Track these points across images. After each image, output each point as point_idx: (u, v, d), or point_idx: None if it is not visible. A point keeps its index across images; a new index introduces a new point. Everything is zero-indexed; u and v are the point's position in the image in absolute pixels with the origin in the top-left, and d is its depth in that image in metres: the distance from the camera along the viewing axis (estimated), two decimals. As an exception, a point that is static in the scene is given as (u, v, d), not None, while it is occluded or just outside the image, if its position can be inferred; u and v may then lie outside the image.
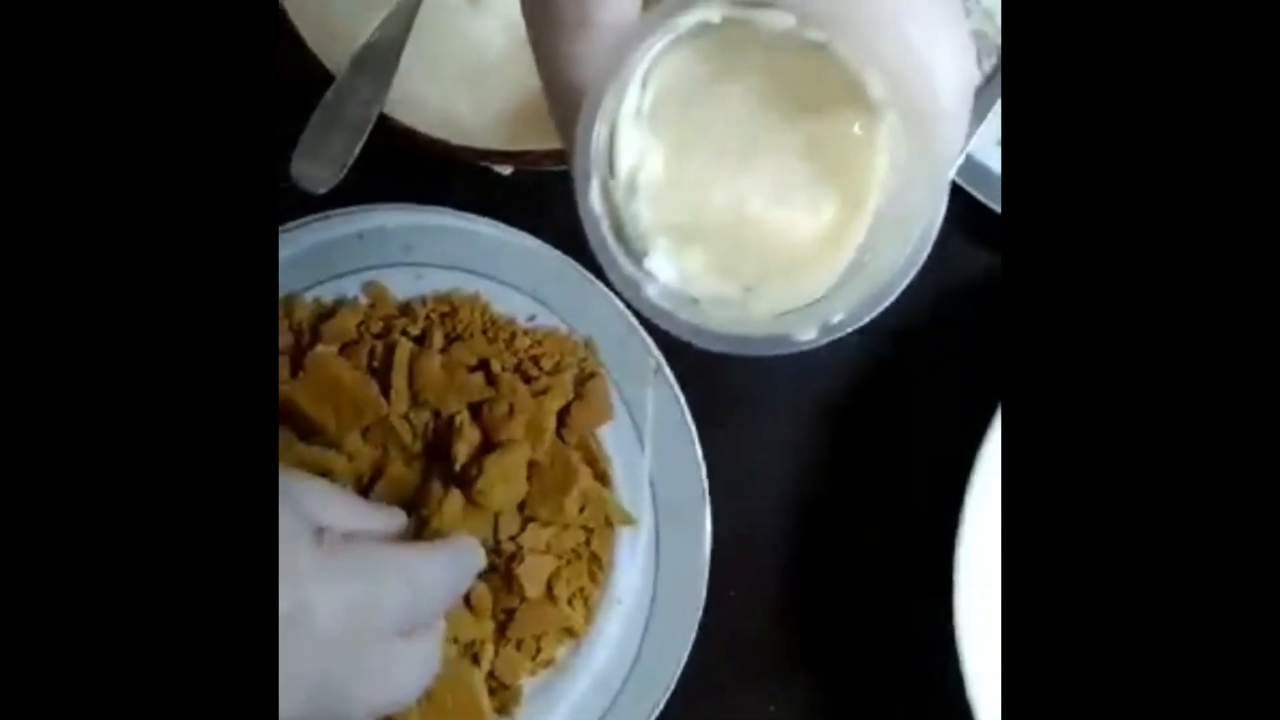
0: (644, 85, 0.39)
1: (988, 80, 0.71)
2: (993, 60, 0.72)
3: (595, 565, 0.68)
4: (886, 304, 0.38)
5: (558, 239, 0.67)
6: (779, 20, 0.37)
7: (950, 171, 0.41)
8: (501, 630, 0.67)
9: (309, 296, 0.68)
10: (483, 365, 0.68)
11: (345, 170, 0.60)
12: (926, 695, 0.70)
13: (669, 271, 0.39)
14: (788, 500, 0.71)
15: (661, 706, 0.67)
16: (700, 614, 0.67)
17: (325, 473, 0.66)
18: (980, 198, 0.70)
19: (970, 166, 0.70)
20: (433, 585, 0.56)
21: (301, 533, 0.48)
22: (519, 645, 0.68)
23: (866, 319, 0.38)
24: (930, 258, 0.69)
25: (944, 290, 0.72)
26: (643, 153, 0.39)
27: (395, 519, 0.61)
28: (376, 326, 0.68)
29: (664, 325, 0.38)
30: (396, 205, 0.68)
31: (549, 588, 0.68)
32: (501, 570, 0.67)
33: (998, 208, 0.70)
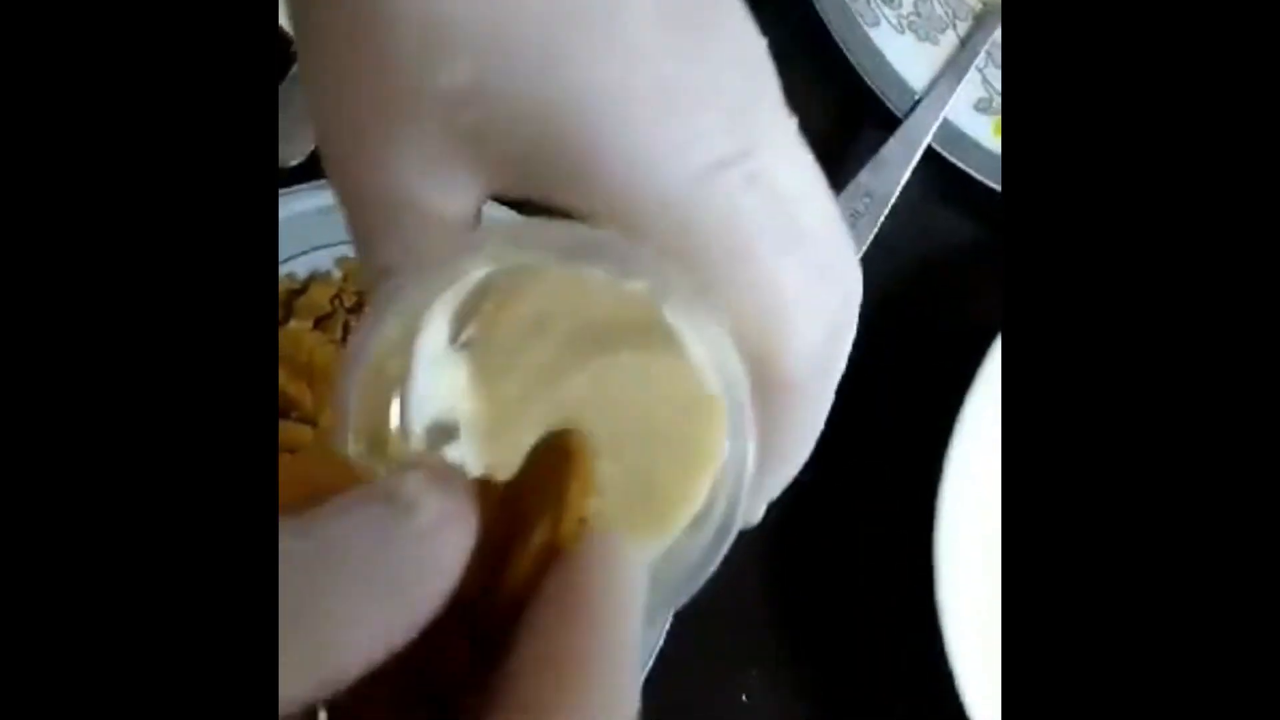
0: (457, 318, 0.34)
1: (962, 43, 0.71)
2: (966, 24, 0.72)
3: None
4: (689, 594, 0.33)
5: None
6: (590, 273, 0.33)
7: (802, 456, 0.37)
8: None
9: (282, 271, 0.68)
10: (458, 339, 0.67)
11: (313, 144, 0.60)
12: (908, 678, 0.70)
13: None
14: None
15: (641, 679, 0.67)
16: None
17: (299, 449, 0.65)
18: (956, 161, 0.70)
19: (946, 131, 0.70)
20: None
21: None
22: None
23: (671, 607, 0.34)
24: (908, 224, 0.69)
25: (919, 255, 0.71)
26: (453, 393, 0.35)
27: None
28: (350, 300, 0.68)
29: None
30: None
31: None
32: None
33: (973, 172, 0.70)
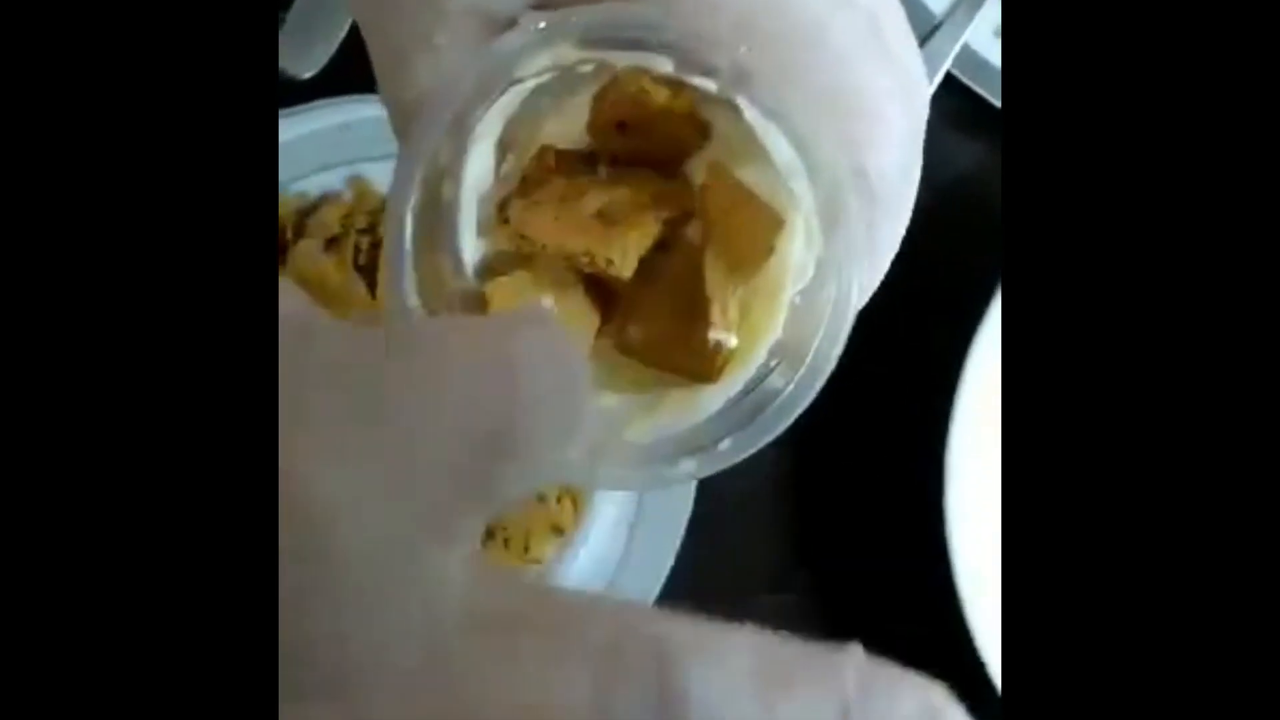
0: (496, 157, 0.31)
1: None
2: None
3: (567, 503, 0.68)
4: (790, 421, 0.31)
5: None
6: (652, 64, 0.30)
7: (893, 249, 0.33)
8: (489, 530, 0.67)
9: (292, 190, 0.67)
10: (469, 263, 0.67)
11: (329, 56, 0.59)
12: (917, 608, 0.70)
13: None
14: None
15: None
16: (687, 518, 0.67)
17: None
18: (976, 88, 0.69)
19: (966, 57, 0.69)
20: None
21: None
22: (506, 543, 0.68)
23: (767, 440, 0.31)
24: (926, 150, 0.69)
25: (939, 183, 0.71)
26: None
27: None
28: (361, 221, 0.67)
29: None
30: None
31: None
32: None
33: (994, 99, 0.69)
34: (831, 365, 0.31)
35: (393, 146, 0.65)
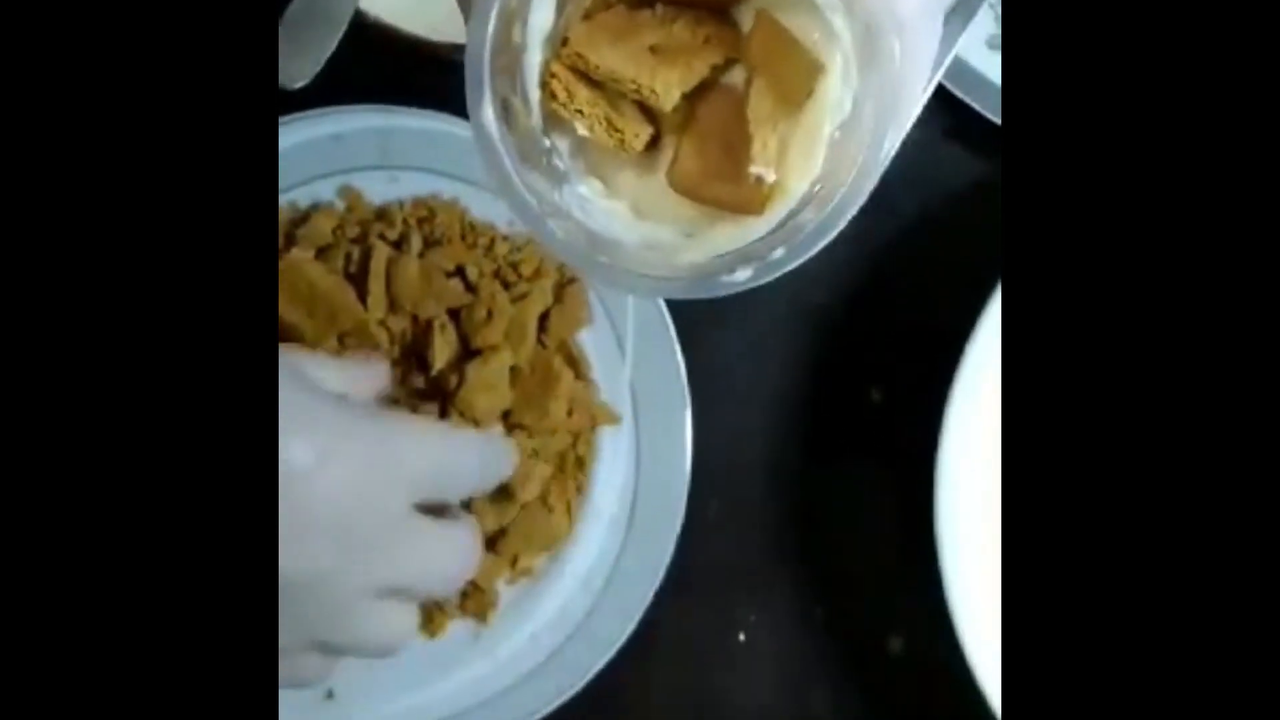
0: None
1: (976, -19, 0.70)
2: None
3: (579, 471, 0.68)
4: (828, 239, 0.33)
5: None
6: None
7: (919, 93, 0.36)
8: (491, 542, 0.67)
9: (284, 200, 0.67)
10: (460, 271, 0.67)
11: (321, 65, 0.59)
12: (906, 621, 0.70)
13: (595, 210, 0.34)
14: (772, 408, 0.71)
15: (639, 618, 0.67)
16: (681, 524, 0.67)
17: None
18: (969, 101, 0.69)
19: (958, 70, 0.69)
20: (460, 462, 0.53)
21: (323, 396, 0.46)
22: (498, 551, 0.68)
23: (807, 255, 0.34)
24: (917, 161, 0.69)
25: (931, 196, 0.71)
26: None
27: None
28: (353, 231, 0.67)
29: (574, 266, 0.34)
30: (373, 106, 0.66)
31: (544, 496, 0.67)
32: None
33: (986, 112, 0.69)
34: (860, 201, 0.33)
35: (379, 157, 0.65)
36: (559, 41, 0.34)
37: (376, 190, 0.68)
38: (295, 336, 0.65)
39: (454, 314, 0.67)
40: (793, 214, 0.34)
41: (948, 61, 0.68)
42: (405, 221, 0.67)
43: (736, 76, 0.34)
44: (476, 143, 0.32)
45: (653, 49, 0.33)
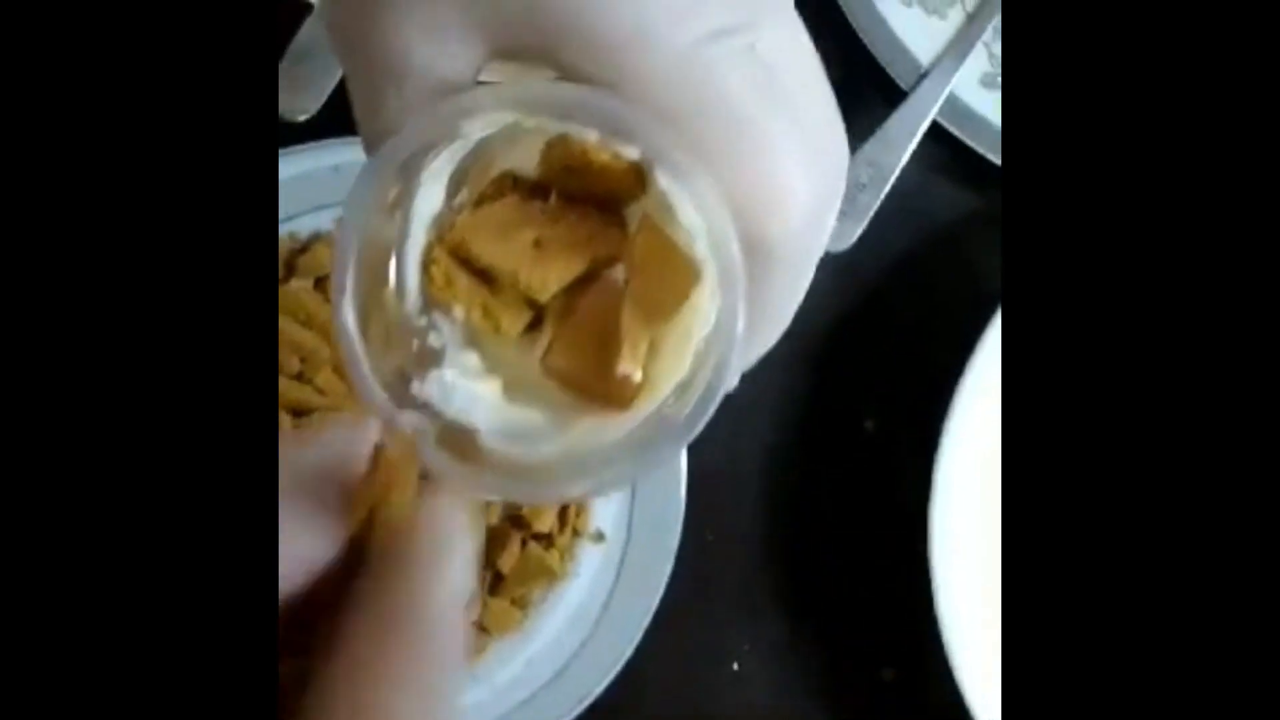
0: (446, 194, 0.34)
1: (970, 18, 0.71)
2: (975, -1, 0.72)
3: (577, 504, 0.68)
4: (666, 460, 0.35)
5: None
6: (579, 133, 0.33)
7: (788, 314, 0.37)
8: (494, 585, 0.68)
9: (284, 230, 0.68)
10: (459, 298, 0.67)
11: (324, 99, 0.60)
12: (900, 650, 0.70)
13: (458, 396, 0.34)
14: (766, 438, 0.71)
15: (634, 646, 0.68)
16: (675, 552, 0.67)
17: (301, 407, 0.66)
18: (962, 138, 0.70)
19: (952, 106, 0.70)
20: None
21: None
22: (495, 590, 0.68)
23: (641, 474, 0.35)
24: (911, 198, 0.69)
25: (923, 228, 0.71)
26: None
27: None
28: (352, 262, 0.67)
29: (424, 458, 0.34)
30: (373, 138, 0.67)
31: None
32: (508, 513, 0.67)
33: (980, 148, 0.70)
34: (713, 407, 0.34)
35: None
36: (445, 226, 0.34)
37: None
38: (292, 366, 0.66)
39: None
40: (650, 418, 0.35)
41: (942, 98, 0.69)
42: (404, 251, 0.68)
43: (619, 273, 0.35)
44: (337, 338, 0.33)
45: (536, 242, 0.35)
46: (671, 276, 0.34)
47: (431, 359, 0.35)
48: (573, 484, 0.35)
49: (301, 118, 0.60)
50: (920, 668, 0.68)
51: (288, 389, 0.65)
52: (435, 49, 0.33)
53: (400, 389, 0.34)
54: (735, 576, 0.71)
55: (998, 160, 0.70)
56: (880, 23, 0.70)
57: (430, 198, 0.34)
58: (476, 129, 0.34)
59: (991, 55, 0.71)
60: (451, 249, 0.34)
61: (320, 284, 0.67)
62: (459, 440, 0.35)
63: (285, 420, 0.65)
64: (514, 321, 0.35)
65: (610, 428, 0.35)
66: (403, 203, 0.34)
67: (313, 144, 0.66)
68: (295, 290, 0.66)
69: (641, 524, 0.68)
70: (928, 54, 0.70)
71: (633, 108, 0.33)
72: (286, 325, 0.65)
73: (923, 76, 0.70)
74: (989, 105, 0.71)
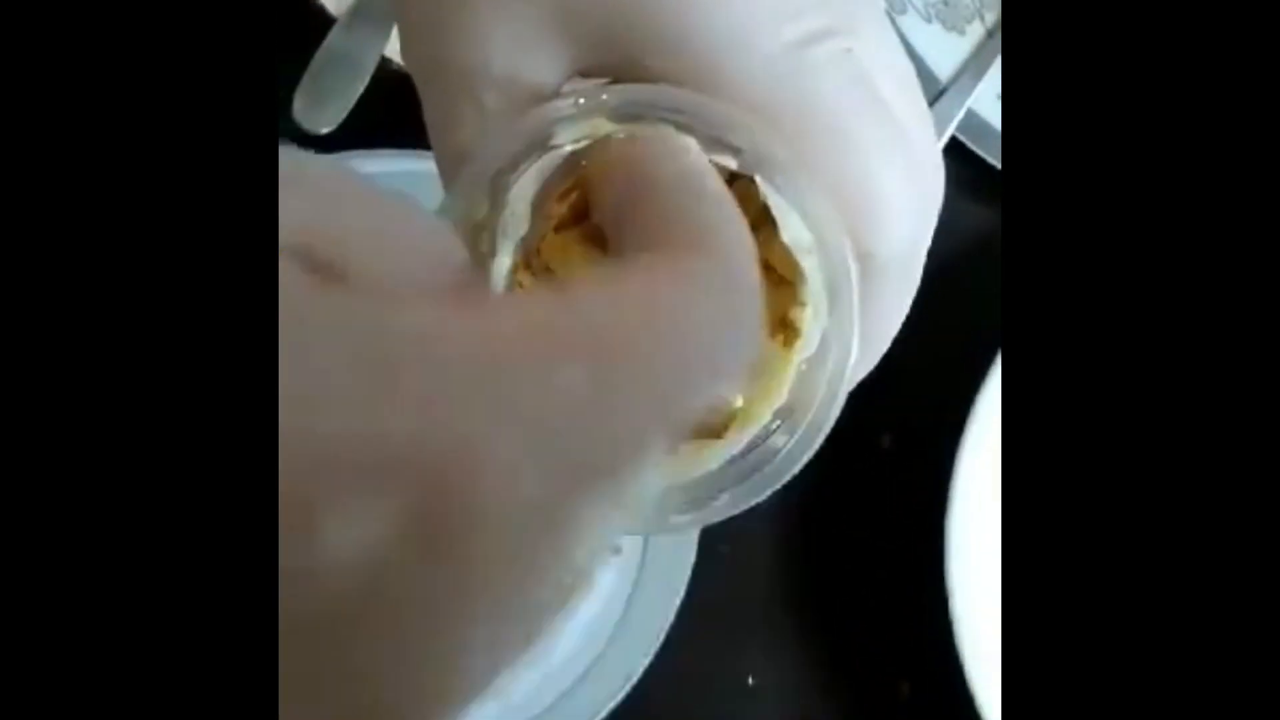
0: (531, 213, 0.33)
1: (989, 34, 0.71)
2: (994, 14, 0.72)
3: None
4: (771, 490, 0.33)
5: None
6: (678, 141, 0.31)
7: (893, 329, 0.36)
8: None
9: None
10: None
11: (346, 111, 0.60)
12: (914, 663, 0.70)
13: None
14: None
15: (649, 660, 0.68)
16: (691, 566, 0.67)
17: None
18: (981, 154, 0.70)
19: (971, 122, 0.70)
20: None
21: None
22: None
23: (749, 505, 0.33)
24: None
25: (946, 248, 0.71)
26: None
27: None
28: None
29: None
30: (397, 151, 0.67)
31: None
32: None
33: (998, 164, 0.70)
34: (824, 433, 0.33)
35: (414, 197, 0.65)
36: (532, 250, 0.33)
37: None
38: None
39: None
40: (751, 446, 0.34)
41: (961, 115, 0.69)
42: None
43: None
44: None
45: None
46: (768, 297, 0.32)
47: None
48: (678, 516, 0.33)
49: (324, 130, 0.60)
50: (936, 683, 0.68)
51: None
52: (519, 60, 0.32)
53: None
54: (750, 591, 0.71)
55: (1017, 177, 0.70)
56: (900, 38, 0.70)
57: (517, 217, 0.32)
58: (566, 139, 0.32)
59: (1011, 72, 0.71)
60: (537, 274, 0.33)
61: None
62: None
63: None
64: None
65: (708, 457, 0.34)
66: (490, 223, 0.32)
67: (336, 155, 0.66)
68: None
69: (656, 538, 0.68)
70: (947, 70, 0.71)
71: (740, 111, 0.31)
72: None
73: (941, 93, 0.70)
74: (1008, 121, 0.71)
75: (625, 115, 0.32)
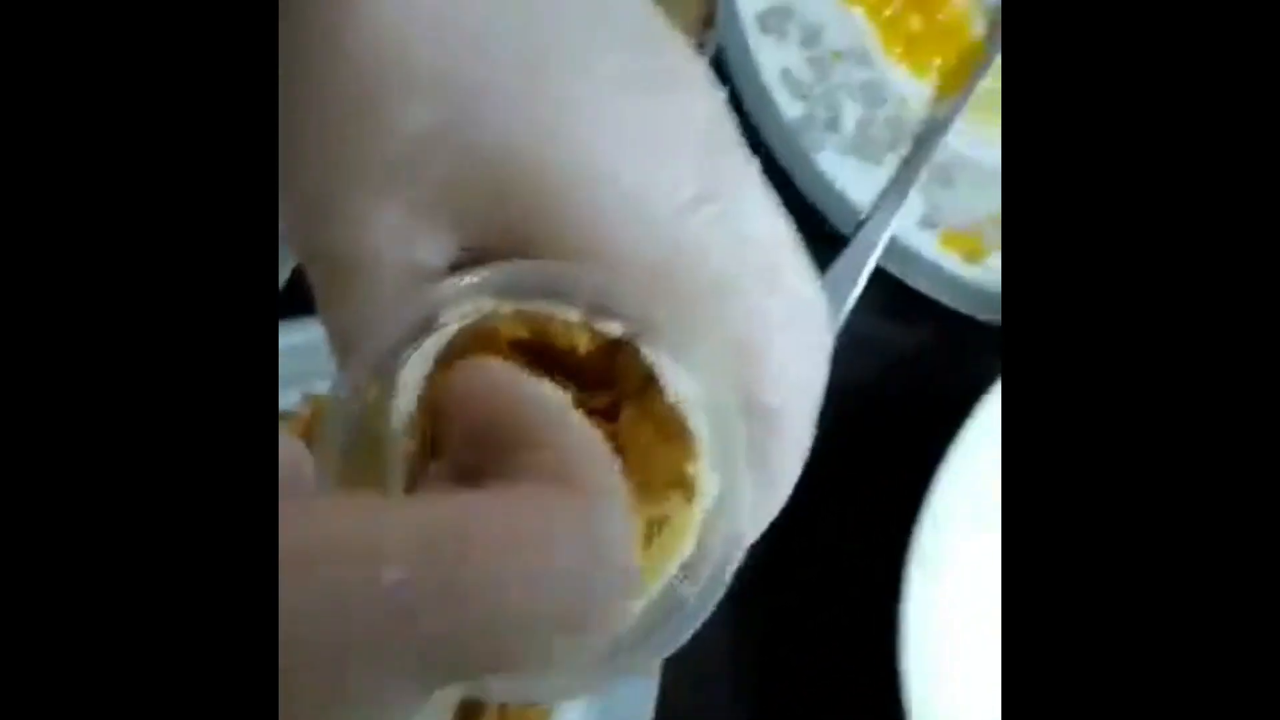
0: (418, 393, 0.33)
1: (905, 162, 0.73)
2: (908, 145, 0.73)
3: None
4: (681, 642, 0.33)
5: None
6: (562, 313, 0.32)
7: (793, 475, 0.36)
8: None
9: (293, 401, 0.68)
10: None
11: (282, 285, 0.61)
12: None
13: None
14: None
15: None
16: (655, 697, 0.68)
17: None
18: (904, 279, 0.71)
19: (893, 249, 0.71)
20: None
21: None
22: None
23: (661, 656, 0.34)
24: (859, 340, 0.71)
25: (878, 368, 0.73)
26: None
27: None
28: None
29: None
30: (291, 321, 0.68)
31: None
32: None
33: (921, 288, 0.71)
34: (726, 582, 0.33)
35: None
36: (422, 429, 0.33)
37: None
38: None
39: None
40: (659, 598, 0.34)
41: (883, 242, 0.70)
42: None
43: None
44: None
45: None
46: (664, 453, 0.33)
47: None
48: (589, 675, 0.33)
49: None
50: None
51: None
52: (402, 243, 0.33)
53: None
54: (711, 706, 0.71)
55: (939, 299, 0.72)
56: (819, 174, 0.72)
57: (408, 398, 0.33)
58: (453, 318, 0.33)
59: (928, 197, 0.73)
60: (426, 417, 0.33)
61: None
62: None
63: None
64: None
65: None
66: (383, 404, 0.32)
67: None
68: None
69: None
70: (867, 200, 0.72)
71: (621, 279, 0.32)
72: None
73: (863, 223, 0.71)
74: (928, 244, 0.72)
75: (509, 292, 0.33)
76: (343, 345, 0.34)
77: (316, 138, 0.33)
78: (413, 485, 0.33)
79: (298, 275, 0.62)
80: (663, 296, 0.32)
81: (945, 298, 0.72)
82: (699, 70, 0.35)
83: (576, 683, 0.34)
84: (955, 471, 0.67)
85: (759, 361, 0.33)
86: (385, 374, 0.33)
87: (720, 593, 0.33)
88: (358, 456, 0.33)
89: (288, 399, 0.69)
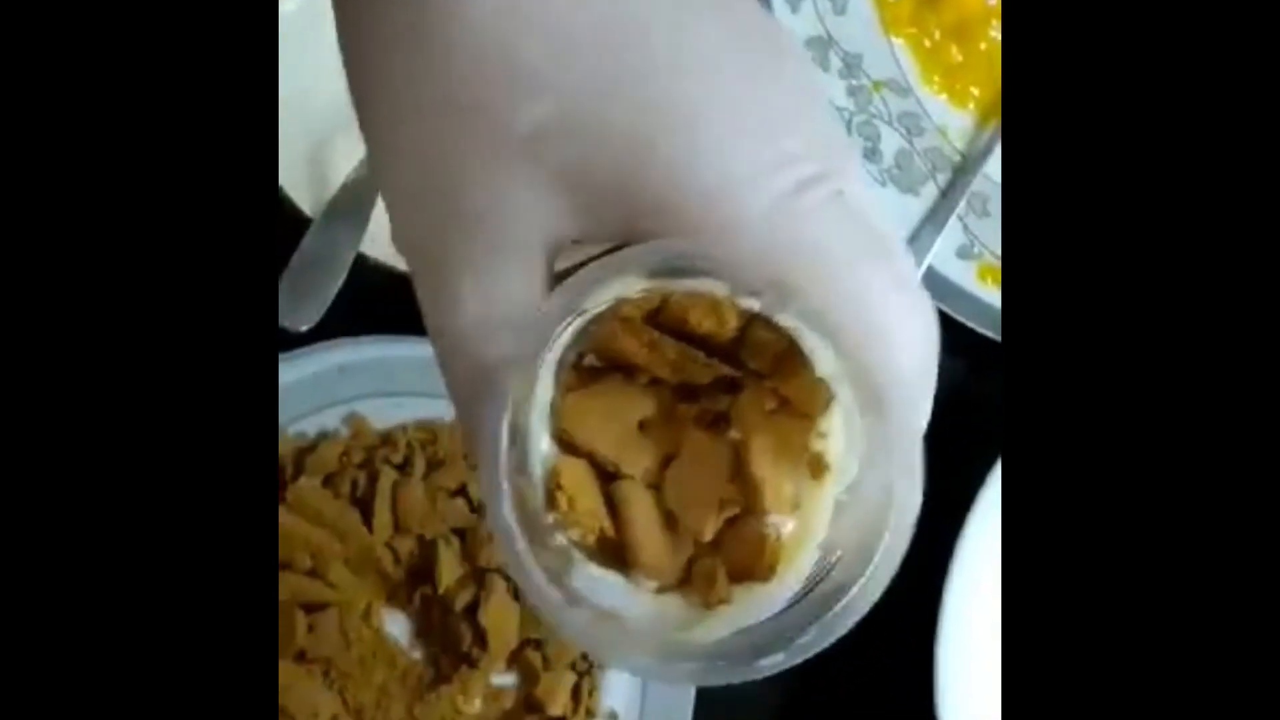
0: (556, 377, 0.33)
1: (942, 194, 0.74)
2: (946, 175, 0.74)
3: (591, 675, 0.68)
4: (861, 615, 0.32)
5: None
6: (708, 289, 0.33)
7: (916, 449, 0.34)
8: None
9: (291, 431, 0.69)
10: (464, 491, 0.69)
11: (325, 309, 0.62)
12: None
13: (605, 590, 0.33)
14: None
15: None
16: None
17: (314, 603, 0.67)
18: (942, 309, 0.72)
19: (931, 279, 0.72)
20: None
21: None
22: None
23: (840, 634, 0.32)
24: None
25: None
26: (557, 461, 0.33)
27: None
28: (358, 456, 0.69)
29: (601, 658, 0.33)
30: (376, 337, 0.69)
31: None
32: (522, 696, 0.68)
33: (960, 318, 0.71)
34: (897, 565, 0.32)
35: (384, 384, 0.66)
36: (555, 417, 0.33)
37: (381, 415, 0.70)
38: (303, 562, 0.67)
39: (459, 533, 0.68)
40: (810, 584, 0.33)
41: (921, 271, 0.71)
42: (409, 445, 0.69)
43: (734, 431, 0.33)
44: (498, 536, 0.32)
45: (641, 424, 0.33)
46: (790, 429, 0.33)
47: (566, 554, 0.33)
48: (761, 658, 0.32)
49: (304, 327, 0.62)
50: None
51: (300, 585, 0.66)
52: (547, 220, 0.33)
53: (558, 579, 0.32)
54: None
55: (978, 329, 0.72)
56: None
57: (546, 383, 0.33)
58: (600, 302, 0.33)
59: (966, 228, 0.74)
60: (558, 438, 0.33)
61: (329, 480, 0.68)
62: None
63: (299, 616, 0.66)
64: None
65: (764, 601, 0.33)
66: (525, 399, 0.33)
67: (318, 345, 0.68)
68: (304, 488, 0.67)
69: (654, 703, 0.69)
70: (904, 231, 0.73)
71: (744, 260, 0.32)
72: (296, 523, 0.66)
73: (901, 252, 0.71)
74: (967, 275, 0.73)
75: (659, 270, 0.32)
76: (453, 344, 0.34)
77: (439, 111, 0.33)
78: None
79: (340, 299, 0.64)
80: (792, 274, 0.32)
81: (983, 326, 0.72)
82: (798, 45, 0.35)
83: (748, 664, 0.33)
84: (998, 489, 0.67)
85: (881, 341, 0.33)
86: (532, 367, 0.33)
87: (889, 578, 0.32)
88: (514, 451, 0.32)
89: (330, 419, 0.69)
